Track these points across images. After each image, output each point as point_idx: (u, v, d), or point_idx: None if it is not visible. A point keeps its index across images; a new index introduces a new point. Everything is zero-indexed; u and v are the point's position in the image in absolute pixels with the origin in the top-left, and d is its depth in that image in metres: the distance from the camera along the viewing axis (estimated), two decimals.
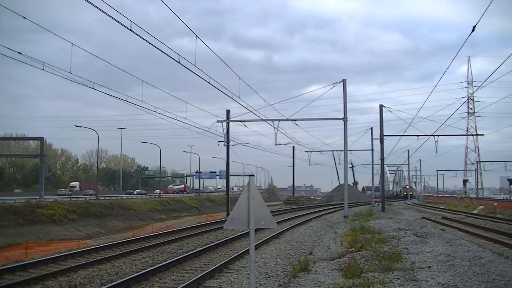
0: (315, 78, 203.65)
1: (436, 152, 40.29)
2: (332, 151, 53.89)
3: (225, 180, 45.83)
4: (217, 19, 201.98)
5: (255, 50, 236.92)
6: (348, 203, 29.58)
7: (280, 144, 30.59)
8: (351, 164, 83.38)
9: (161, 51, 14.25)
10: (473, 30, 13.59)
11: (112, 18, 11.62)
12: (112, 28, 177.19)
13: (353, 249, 13.41)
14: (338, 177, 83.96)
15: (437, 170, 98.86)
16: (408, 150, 63.71)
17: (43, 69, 15.41)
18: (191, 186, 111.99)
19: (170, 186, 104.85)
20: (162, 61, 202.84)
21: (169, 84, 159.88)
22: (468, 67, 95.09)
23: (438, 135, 36.70)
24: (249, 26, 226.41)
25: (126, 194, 74.17)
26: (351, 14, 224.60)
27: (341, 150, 43.17)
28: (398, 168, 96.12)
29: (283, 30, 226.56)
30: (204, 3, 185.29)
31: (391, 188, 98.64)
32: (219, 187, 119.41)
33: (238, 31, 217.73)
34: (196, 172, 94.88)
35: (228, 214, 29.21)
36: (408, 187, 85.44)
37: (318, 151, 50.50)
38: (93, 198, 49.40)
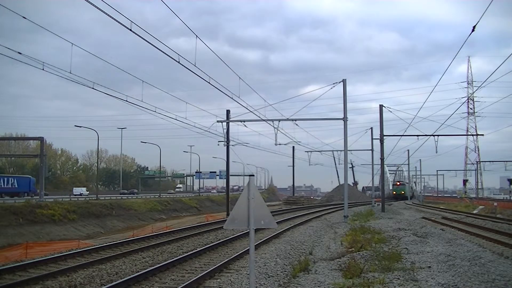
0: (313, 78, 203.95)
1: (436, 152, 40.33)
2: (332, 151, 53.85)
3: (224, 180, 45.87)
4: (213, 19, 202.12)
5: (251, 50, 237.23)
6: (348, 203, 29.55)
7: (280, 144, 30.56)
8: (351, 164, 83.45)
9: (161, 51, 14.28)
10: (473, 30, 13.57)
11: (113, 18, 11.64)
12: (109, 28, 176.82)
13: (353, 249, 13.40)
14: (338, 177, 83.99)
15: (437, 170, 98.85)
16: (408, 150, 63.64)
17: (43, 69, 15.43)
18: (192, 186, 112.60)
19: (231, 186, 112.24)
20: (159, 60, 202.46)
21: (167, 84, 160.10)
22: (468, 67, 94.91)
23: (438, 135, 36.74)
24: (245, 26, 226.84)
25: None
26: (348, 14, 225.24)
27: (341, 150, 43.19)
28: (398, 168, 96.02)
29: (280, 29, 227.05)
30: (199, 3, 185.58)
31: (391, 188, 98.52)
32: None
33: (234, 31, 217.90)
34: (196, 172, 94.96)
35: (228, 214, 29.20)
36: (399, 184, 77.48)
37: (318, 151, 50.52)
38: (93, 198, 49.34)
